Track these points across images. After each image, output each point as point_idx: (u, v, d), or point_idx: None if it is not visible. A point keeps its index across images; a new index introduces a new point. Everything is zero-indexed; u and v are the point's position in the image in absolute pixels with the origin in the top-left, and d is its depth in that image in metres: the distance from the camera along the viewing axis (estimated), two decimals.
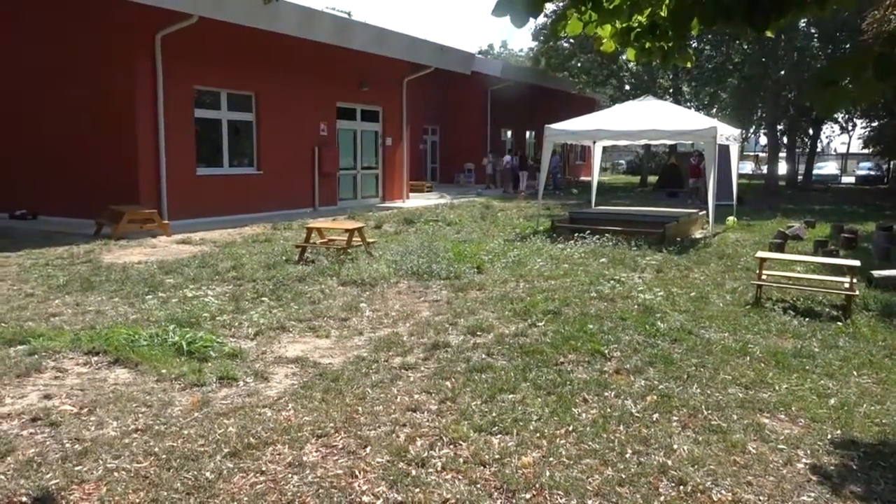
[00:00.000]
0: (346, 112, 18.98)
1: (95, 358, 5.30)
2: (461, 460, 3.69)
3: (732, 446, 3.93)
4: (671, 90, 32.01)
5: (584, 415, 4.33)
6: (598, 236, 11.80)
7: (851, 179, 42.44)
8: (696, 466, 3.67)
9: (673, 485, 3.50)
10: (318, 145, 17.82)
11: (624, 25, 3.61)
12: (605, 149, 18.94)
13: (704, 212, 14.36)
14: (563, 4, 3.95)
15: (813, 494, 3.46)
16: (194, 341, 5.53)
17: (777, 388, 4.89)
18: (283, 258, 9.86)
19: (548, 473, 3.55)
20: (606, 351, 5.59)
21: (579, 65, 32.12)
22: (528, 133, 34.92)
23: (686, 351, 5.69)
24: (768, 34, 2.97)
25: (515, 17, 3.35)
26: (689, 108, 29.40)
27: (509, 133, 33.44)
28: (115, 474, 3.48)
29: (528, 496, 3.35)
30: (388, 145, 20.67)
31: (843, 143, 61.75)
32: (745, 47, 27.78)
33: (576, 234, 12.15)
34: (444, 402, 4.50)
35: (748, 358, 5.55)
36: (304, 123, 17.34)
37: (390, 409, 4.37)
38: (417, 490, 3.37)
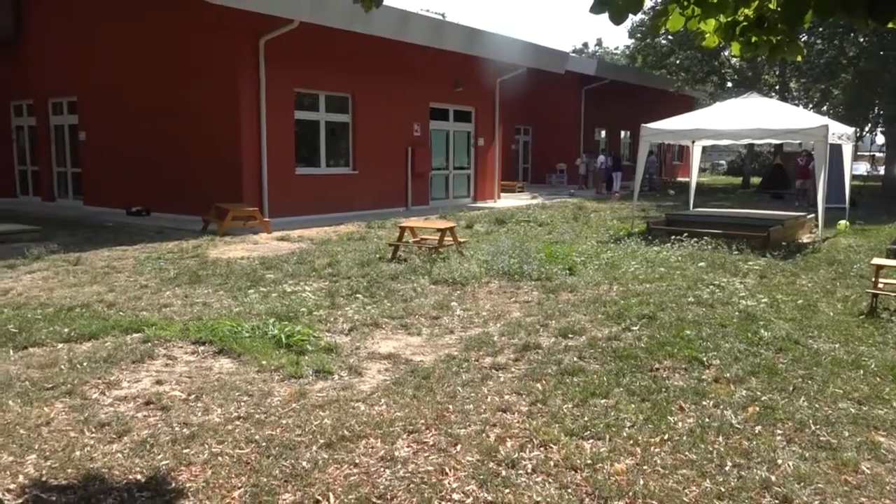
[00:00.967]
0: (439, 113, 19.19)
1: (202, 347, 5.59)
2: (552, 463, 3.66)
3: (843, 465, 3.70)
4: (777, 87, 30.44)
5: (680, 423, 4.19)
6: (696, 239, 11.39)
7: None
8: (802, 484, 3.48)
9: (777, 502, 3.33)
10: (411, 146, 18.10)
11: (729, 19, 3.47)
12: (704, 149, 18.25)
13: (813, 215, 13.58)
14: (664, 0, 3.83)
15: None
16: (292, 335, 5.74)
17: (895, 404, 4.56)
18: (377, 256, 10.07)
19: (641, 482, 3.46)
20: (705, 358, 5.39)
21: (677, 62, 31.06)
22: (622, 133, 34.14)
23: (792, 361, 5.40)
24: (890, 25, 2.77)
25: (614, 14, 3.28)
26: (797, 105, 27.88)
27: (603, 133, 32.81)
28: (220, 458, 3.66)
29: None
30: (481, 145, 20.73)
31: None
32: (862, 40, 26.03)
33: (672, 237, 11.77)
34: (535, 404, 4.47)
35: (862, 371, 5.20)
36: (398, 124, 17.66)
37: (480, 409, 4.38)
38: (507, 491, 3.37)
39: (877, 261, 7.61)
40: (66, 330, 5.93)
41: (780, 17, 3.20)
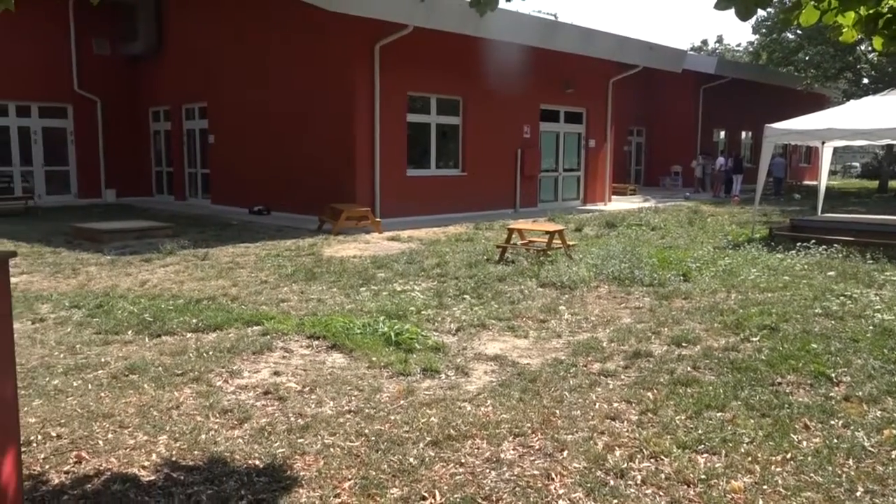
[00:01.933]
0: (549, 114, 19.01)
1: (316, 342, 5.82)
2: (663, 476, 3.53)
3: None
4: None
5: (804, 443, 3.93)
6: (824, 247, 10.66)
7: None
8: None
9: None
10: (520, 147, 18.04)
11: (871, 12, 3.23)
12: (835, 150, 17.03)
13: None
14: None
15: None
16: (401, 333, 5.86)
17: None
18: (485, 257, 10.11)
19: (760, 502, 3.27)
20: (833, 374, 5.03)
21: (806, 58, 29.18)
22: (743, 133, 32.47)
23: None
24: None
25: (741, 10, 3.13)
26: None
27: (722, 133, 31.32)
28: (331, 450, 3.79)
29: None
30: (591, 147, 20.35)
31: None
32: None
33: (798, 244, 11.07)
34: (646, 414, 4.33)
35: None
36: (507, 126, 17.65)
37: (588, 415, 4.30)
38: (616, 501, 3.28)
39: None
40: (194, 320, 6.35)
41: None
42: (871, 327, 6.36)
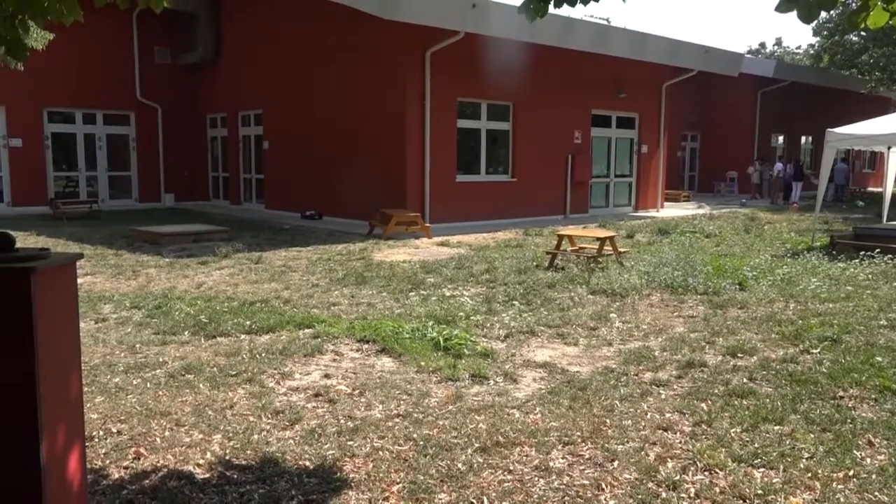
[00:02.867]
0: (601, 119, 18.80)
1: (366, 346, 5.87)
2: (717, 489, 3.44)
3: None
4: None
5: (868, 459, 3.78)
6: (890, 256, 10.24)
7: None
8: None
9: None
10: (571, 153, 17.89)
11: None
12: None
13: None
14: None
15: None
16: (450, 338, 5.87)
17: None
18: (534, 264, 10.05)
19: None
20: None
21: (871, 60, 28.13)
22: (803, 138, 31.49)
23: None
24: None
25: (804, 12, 3.05)
26: None
27: (780, 139, 30.44)
28: (380, 453, 3.82)
29: None
30: (644, 153, 20.04)
31: None
32: None
33: (861, 253, 10.66)
34: (699, 425, 4.23)
35: None
36: (558, 131, 17.53)
37: (639, 425, 4.22)
38: None
39: None
40: (247, 322, 6.49)
41: None
42: None
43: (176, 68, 20.94)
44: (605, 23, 23.38)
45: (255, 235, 13.39)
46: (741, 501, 3.33)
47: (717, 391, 4.80)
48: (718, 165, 29.03)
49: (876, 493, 3.40)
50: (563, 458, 3.79)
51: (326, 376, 5.10)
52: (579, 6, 4.00)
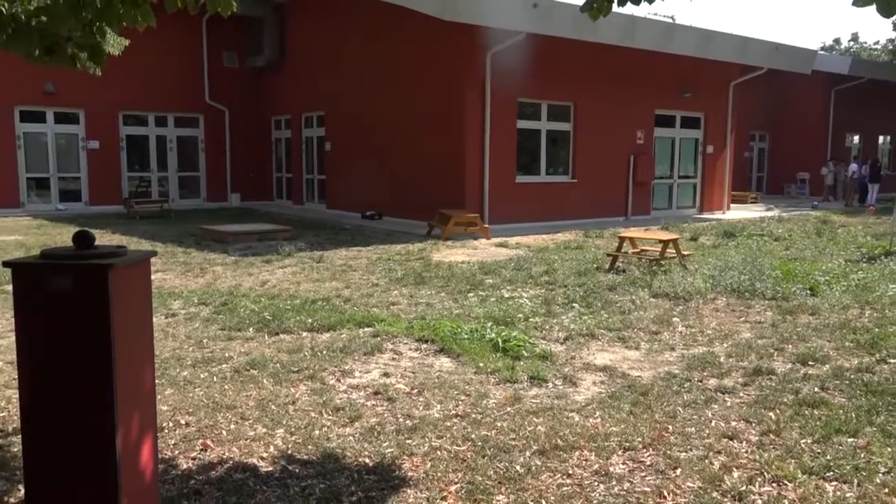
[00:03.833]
0: (664, 119, 18.41)
1: (424, 345, 5.91)
2: (786, 502, 3.32)
3: None
4: None
5: None
6: None
7: None
8: None
9: None
10: (633, 154, 17.58)
11: None
12: None
13: None
14: None
15: None
16: (509, 340, 5.85)
17: None
18: (594, 266, 9.91)
19: None
20: None
21: None
22: (881, 138, 30.08)
23: None
24: None
25: (883, 6, 2.92)
26: None
27: (856, 138, 29.15)
28: (438, 453, 3.84)
29: None
30: (710, 153, 19.51)
31: None
32: None
33: None
34: (767, 435, 4.09)
35: None
36: (620, 132, 17.25)
37: (703, 433, 4.11)
38: None
39: None
40: (309, 320, 6.62)
41: None
42: None
43: (242, 72, 21.57)
44: (670, 21, 22.85)
45: (317, 235, 13.64)
46: None
47: (786, 400, 4.63)
48: (788, 166, 28.02)
49: None
50: (623, 464, 3.72)
51: (385, 375, 5.15)
52: (644, 4, 3.92)
